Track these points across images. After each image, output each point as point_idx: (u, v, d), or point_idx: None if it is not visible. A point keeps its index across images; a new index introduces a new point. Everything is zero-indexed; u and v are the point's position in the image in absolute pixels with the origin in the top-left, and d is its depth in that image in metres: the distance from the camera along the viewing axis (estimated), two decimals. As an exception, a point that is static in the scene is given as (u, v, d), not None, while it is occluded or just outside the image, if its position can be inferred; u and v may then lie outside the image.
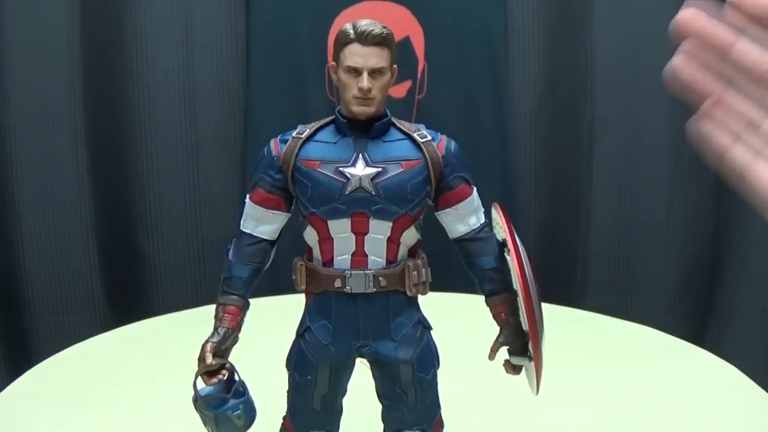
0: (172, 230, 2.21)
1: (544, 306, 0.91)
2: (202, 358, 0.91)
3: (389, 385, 0.97)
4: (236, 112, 2.19)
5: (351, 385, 0.99)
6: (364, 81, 0.89)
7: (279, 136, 0.95)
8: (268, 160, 0.94)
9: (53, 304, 2.22)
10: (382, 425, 1.01)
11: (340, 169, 0.90)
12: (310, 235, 0.94)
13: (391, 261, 0.93)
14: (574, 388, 1.41)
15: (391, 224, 0.91)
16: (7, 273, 2.20)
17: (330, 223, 0.91)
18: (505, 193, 2.15)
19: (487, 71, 2.16)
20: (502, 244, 0.96)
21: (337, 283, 0.92)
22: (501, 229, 0.95)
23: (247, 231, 0.95)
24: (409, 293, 0.93)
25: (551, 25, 2.17)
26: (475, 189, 0.96)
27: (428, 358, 0.96)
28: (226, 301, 0.94)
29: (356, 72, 0.89)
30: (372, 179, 0.90)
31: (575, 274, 2.28)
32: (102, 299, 2.26)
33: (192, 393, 0.92)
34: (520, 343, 0.96)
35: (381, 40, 0.89)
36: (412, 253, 0.95)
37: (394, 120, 0.94)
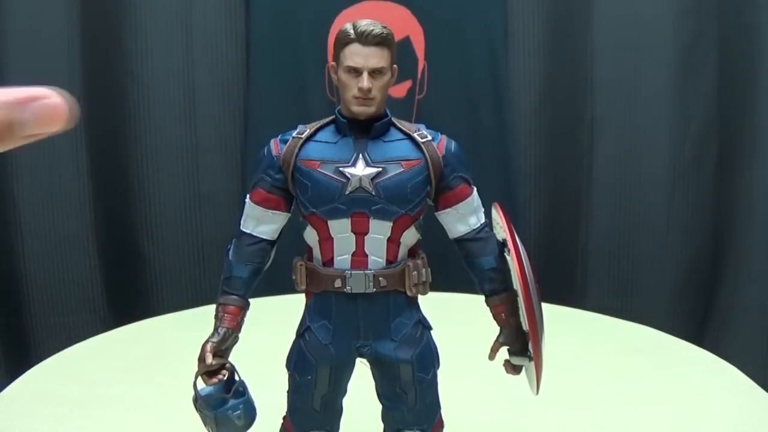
0: (172, 230, 2.21)
1: (544, 306, 0.91)
2: (202, 358, 0.91)
3: (389, 385, 0.97)
4: (236, 112, 2.19)
5: (351, 385, 0.99)
6: (364, 81, 0.89)
7: (279, 136, 0.95)
8: (268, 160, 0.94)
9: (53, 304, 2.22)
10: (382, 425, 1.01)
11: (340, 169, 0.90)
12: (310, 235, 0.94)
13: (391, 261, 0.92)
14: (574, 388, 1.41)
15: (391, 224, 0.91)
16: (7, 273, 2.20)
17: (330, 223, 0.91)
18: (505, 193, 2.15)
19: (487, 71, 2.16)
20: (502, 244, 0.96)
21: (337, 283, 0.92)
22: (501, 229, 0.95)
23: (247, 231, 0.95)
24: (409, 293, 0.93)
25: (551, 25, 2.17)
26: (475, 189, 0.96)
27: (428, 358, 0.96)
28: (226, 301, 0.94)
29: (356, 72, 0.89)
30: (372, 179, 0.90)
31: (575, 274, 2.28)
32: (102, 299, 2.26)
33: (192, 393, 0.92)
34: (520, 343, 0.96)
35: (381, 40, 0.89)
36: (412, 253, 0.95)
37: (394, 120, 0.94)
